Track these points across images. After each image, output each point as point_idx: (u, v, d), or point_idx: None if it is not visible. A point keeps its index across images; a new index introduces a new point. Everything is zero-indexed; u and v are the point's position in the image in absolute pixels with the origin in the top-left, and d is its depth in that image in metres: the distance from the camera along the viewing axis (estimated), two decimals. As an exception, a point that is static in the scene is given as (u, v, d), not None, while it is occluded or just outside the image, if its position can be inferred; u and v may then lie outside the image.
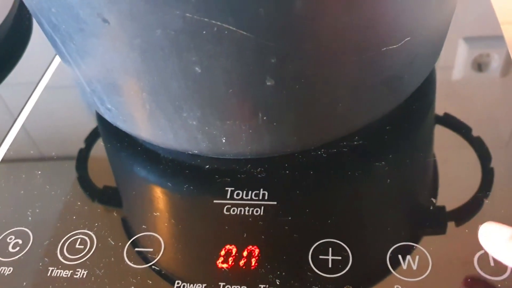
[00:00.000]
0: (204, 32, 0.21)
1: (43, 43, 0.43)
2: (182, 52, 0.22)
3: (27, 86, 0.38)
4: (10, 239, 0.28)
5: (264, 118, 0.25)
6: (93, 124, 0.34)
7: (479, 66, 0.35)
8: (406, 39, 0.24)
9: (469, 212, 0.26)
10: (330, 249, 0.25)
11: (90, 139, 0.33)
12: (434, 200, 0.27)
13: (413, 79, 0.29)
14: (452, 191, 0.27)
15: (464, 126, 0.31)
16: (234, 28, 0.20)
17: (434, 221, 0.26)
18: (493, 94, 0.33)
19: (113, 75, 0.25)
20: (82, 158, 0.32)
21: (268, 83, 0.23)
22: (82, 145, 0.33)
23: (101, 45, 0.23)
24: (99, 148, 0.33)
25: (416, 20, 0.25)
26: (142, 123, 0.28)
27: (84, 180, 0.31)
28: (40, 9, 0.24)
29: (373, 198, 0.28)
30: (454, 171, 0.28)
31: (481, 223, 0.23)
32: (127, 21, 0.21)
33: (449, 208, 0.26)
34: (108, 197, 0.29)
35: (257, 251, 0.26)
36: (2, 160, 0.33)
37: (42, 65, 0.40)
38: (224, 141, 0.27)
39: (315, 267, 0.25)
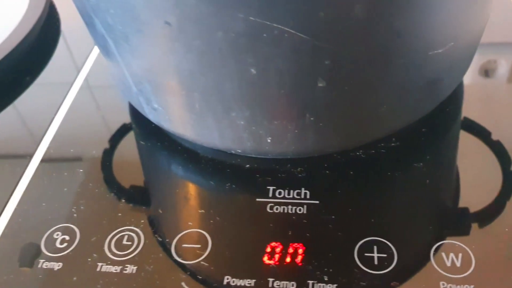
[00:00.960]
0: (264, 35, 0.21)
1: (72, 44, 0.44)
2: (240, 54, 0.23)
3: (61, 85, 0.39)
4: (57, 235, 0.28)
5: (311, 118, 0.26)
6: (128, 123, 0.35)
7: (486, 72, 0.36)
8: (450, 44, 0.25)
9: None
10: (375, 247, 0.26)
11: (124, 138, 0.34)
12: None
13: (451, 82, 0.29)
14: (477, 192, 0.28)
15: (484, 130, 0.31)
16: (294, 31, 0.21)
17: (472, 220, 0.27)
18: (505, 99, 0.34)
19: (166, 76, 0.25)
20: (119, 157, 0.33)
21: (320, 85, 0.24)
22: (118, 144, 0.34)
23: (158, 46, 0.24)
24: (134, 147, 0.33)
25: (460, 25, 0.25)
26: (189, 123, 0.28)
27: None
28: (96, 10, 0.25)
29: (412, 197, 0.28)
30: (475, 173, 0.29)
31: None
32: (189, 24, 0.22)
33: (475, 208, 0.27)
34: (148, 195, 0.30)
35: (302, 248, 0.26)
36: (42, 158, 0.33)
37: (74, 65, 0.41)
38: (269, 140, 0.27)
39: (362, 264, 0.25)
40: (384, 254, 0.26)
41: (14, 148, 0.35)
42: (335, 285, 0.25)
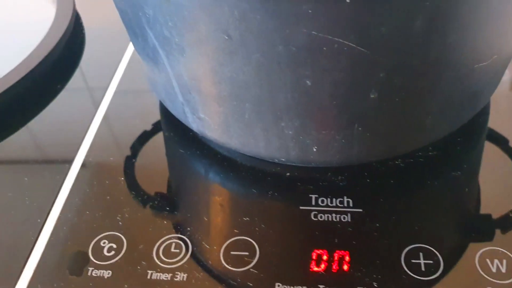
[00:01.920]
0: (324, 48, 0.22)
1: (99, 51, 0.44)
2: (297, 66, 0.23)
3: (94, 91, 0.39)
4: (104, 243, 0.29)
5: (359, 128, 0.26)
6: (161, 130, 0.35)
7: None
8: (494, 57, 0.26)
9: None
10: (421, 253, 0.27)
11: (159, 145, 0.35)
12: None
13: (488, 93, 0.30)
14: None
15: (502, 138, 0.32)
16: (354, 45, 0.22)
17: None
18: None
19: (218, 87, 0.26)
20: (156, 164, 0.34)
21: (372, 96, 0.25)
22: (154, 152, 0.34)
23: (215, 58, 0.24)
24: (171, 154, 0.34)
25: (504, 39, 0.26)
26: (235, 132, 0.29)
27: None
28: (152, 23, 0.25)
29: (453, 205, 0.29)
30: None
31: None
32: (251, 37, 0.22)
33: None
34: (191, 203, 0.31)
35: (348, 255, 0.27)
36: (82, 165, 0.33)
37: (104, 72, 0.41)
38: (315, 150, 0.28)
39: (409, 271, 0.26)
40: (430, 260, 0.26)
41: (52, 154, 0.35)
42: (385, 291, 0.25)
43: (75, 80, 0.42)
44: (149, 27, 0.26)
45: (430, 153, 0.31)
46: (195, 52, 0.25)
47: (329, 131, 0.27)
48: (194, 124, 0.31)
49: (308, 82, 0.24)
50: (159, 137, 0.36)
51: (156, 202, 0.31)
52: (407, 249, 0.27)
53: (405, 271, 0.26)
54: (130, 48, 0.44)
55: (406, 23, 0.21)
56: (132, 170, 0.33)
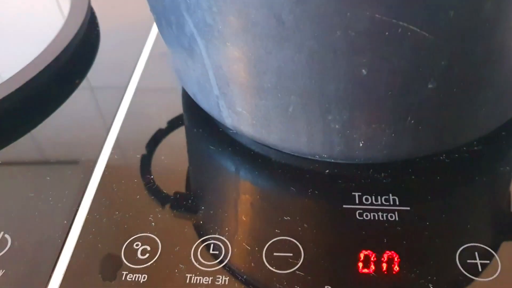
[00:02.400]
0: (386, 33, 0.21)
1: (116, 48, 0.42)
2: (355, 53, 0.22)
3: (113, 89, 0.38)
4: (137, 245, 0.27)
5: (412, 121, 0.25)
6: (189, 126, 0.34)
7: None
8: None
9: None
10: (476, 253, 0.25)
11: (189, 142, 0.33)
12: None
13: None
14: None
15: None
16: (418, 30, 0.20)
17: None
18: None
19: (263, 77, 0.24)
20: (185, 162, 0.32)
21: (430, 86, 0.23)
22: (184, 149, 0.33)
23: (263, 47, 0.23)
24: (201, 151, 0.32)
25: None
26: (276, 127, 0.27)
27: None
28: (194, 8, 0.24)
29: (505, 202, 0.28)
30: None
31: None
32: (307, 22, 0.21)
33: None
34: (226, 202, 0.29)
35: (399, 256, 0.26)
36: (107, 164, 0.32)
37: (123, 69, 0.40)
38: (361, 145, 0.26)
39: (466, 271, 0.25)
40: (487, 260, 0.25)
41: (75, 153, 0.33)
42: (443, 293, 0.24)
43: (92, 77, 0.40)
44: (189, 14, 0.24)
45: (475, 148, 0.30)
46: (240, 40, 0.23)
47: (380, 125, 0.25)
48: (228, 119, 0.29)
49: (364, 71, 0.22)
50: (181, 134, 0.34)
51: (190, 202, 0.29)
52: (461, 248, 0.26)
53: (462, 271, 0.25)
54: (149, 44, 0.42)
55: (476, 6, 0.20)
56: (158, 168, 0.31)
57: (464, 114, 0.26)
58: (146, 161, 0.32)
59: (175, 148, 0.33)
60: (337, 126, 0.26)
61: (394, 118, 0.25)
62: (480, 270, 0.25)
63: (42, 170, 0.32)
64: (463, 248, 0.26)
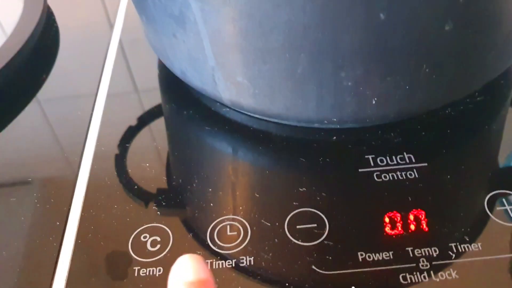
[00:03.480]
0: (407, -30, 0.19)
1: (71, 55, 0.39)
2: (373, -4, 0.20)
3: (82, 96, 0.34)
4: (145, 237, 0.25)
5: (427, 70, 0.24)
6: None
7: None
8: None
9: None
10: (504, 199, 0.25)
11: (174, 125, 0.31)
12: None
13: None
14: None
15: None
16: (440, -37, 0.19)
17: None
18: None
19: (269, 37, 0.23)
20: (184, 146, 0.30)
21: (447, 28, 0.22)
22: (176, 136, 0.30)
23: (270, 0, 0.21)
24: (195, 134, 0.30)
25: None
26: (281, 93, 0.25)
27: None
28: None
29: (519, 147, 0.27)
30: None
31: None
32: (322, -36, 0.19)
33: None
34: (233, 181, 0.27)
35: (428, 212, 0.24)
36: (94, 157, 0.29)
37: (85, 76, 0.36)
38: (374, 102, 0.25)
39: (497, 218, 0.24)
40: (516, 206, 0.24)
41: (58, 149, 0.30)
42: (479, 243, 0.23)
43: (50, 85, 0.36)
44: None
45: (478, 99, 0.29)
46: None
47: (395, 77, 0.24)
48: (225, 93, 0.27)
49: (381, 15, 0.21)
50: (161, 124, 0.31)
51: (195, 185, 0.27)
52: (487, 197, 0.25)
53: (493, 219, 0.24)
54: (114, 41, 0.39)
55: None
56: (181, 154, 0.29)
57: (475, 58, 0.25)
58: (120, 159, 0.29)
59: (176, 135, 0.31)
60: (349, 84, 0.24)
61: (409, 68, 0.24)
62: (511, 214, 0.24)
63: (21, 171, 0.29)
64: (490, 196, 0.25)
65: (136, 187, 0.27)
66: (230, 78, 0.26)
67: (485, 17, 0.23)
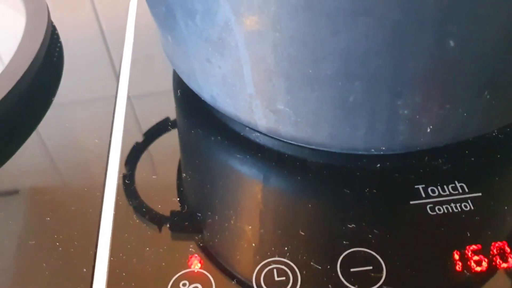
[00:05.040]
0: (486, -6, 0.17)
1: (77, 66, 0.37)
2: (445, 22, 0.18)
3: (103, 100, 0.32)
4: (184, 285, 0.22)
5: (488, 96, 0.22)
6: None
7: None
8: None
9: None
10: None
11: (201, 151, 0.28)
12: None
13: None
14: None
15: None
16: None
17: None
18: None
19: (320, 65, 0.21)
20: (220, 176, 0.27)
21: (515, 53, 0.20)
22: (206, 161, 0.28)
23: (329, 26, 0.19)
24: (227, 162, 0.28)
25: None
26: (327, 122, 0.23)
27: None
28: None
29: None
30: None
31: None
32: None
33: None
34: (274, 217, 0.25)
35: (491, 248, 0.23)
36: (117, 192, 0.26)
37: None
38: (428, 130, 0.23)
39: None
40: None
41: (76, 184, 0.27)
42: (548, 283, 0.21)
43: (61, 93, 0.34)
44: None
45: (525, 120, 0.28)
46: (293, 23, 0.19)
47: (454, 104, 0.22)
48: (262, 120, 0.25)
49: (451, 42, 0.19)
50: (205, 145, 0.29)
51: (230, 222, 0.24)
52: (551, 229, 0.23)
53: None
54: (127, 54, 0.37)
55: None
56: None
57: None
58: (128, 180, 0.27)
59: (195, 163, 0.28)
60: (406, 112, 0.22)
61: (471, 95, 0.22)
62: None
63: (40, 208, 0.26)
64: (553, 229, 0.23)
65: (168, 225, 0.25)
66: (270, 106, 0.24)
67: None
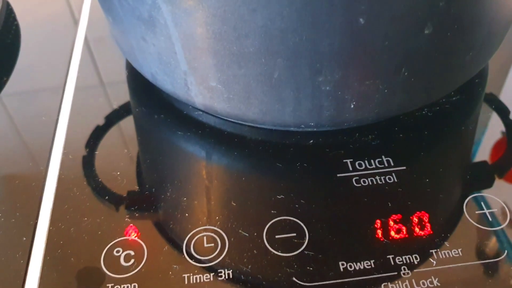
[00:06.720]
0: (388, -27, 0.19)
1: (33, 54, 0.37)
2: (354, 1, 0.20)
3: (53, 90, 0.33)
4: (118, 252, 0.23)
5: (406, 73, 0.23)
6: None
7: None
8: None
9: None
10: (482, 203, 0.24)
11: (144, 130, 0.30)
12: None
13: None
14: None
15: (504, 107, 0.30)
16: (421, -33, 0.19)
17: None
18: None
19: (244, 42, 0.22)
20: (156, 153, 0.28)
21: (426, 32, 0.22)
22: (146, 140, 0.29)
23: (245, 4, 0.20)
24: (168, 139, 0.29)
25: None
26: (256, 98, 0.25)
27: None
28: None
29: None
30: None
31: None
32: (301, -33, 0.18)
33: None
34: (208, 188, 0.26)
35: (406, 217, 0.24)
36: (60, 168, 0.27)
37: (50, 69, 0.35)
38: (352, 106, 0.25)
39: (476, 223, 0.24)
40: (495, 209, 0.24)
41: (21, 163, 0.28)
42: (460, 249, 0.23)
43: (14, 82, 0.35)
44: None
45: (453, 99, 0.29)
46: (213, 0, 0.20)
47: (374, 80, 0.23)
48: (198, 97, 0.26)
49: (361, 20, 0.20)
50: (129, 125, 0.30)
51: (169, 194, 0.26)
52: (466, 200, 0.25)
53: (472, 223, 0.24)
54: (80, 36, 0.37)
55: None
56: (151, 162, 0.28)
57: (453, 60, 0.24)
58: (88, 162, 0.28)
59: (128, 141, 0.29)
60: (327, 88, 0.23)
61: (388, 71, 0.23)
62: (490, 219, 0.24)
63: (-18, 184, 0.27)
64: (468, 200, 0.25)
65: (107, 197, 0.26)
66: (203, 83, 0.25)
67: (464, 20, 0.22)
